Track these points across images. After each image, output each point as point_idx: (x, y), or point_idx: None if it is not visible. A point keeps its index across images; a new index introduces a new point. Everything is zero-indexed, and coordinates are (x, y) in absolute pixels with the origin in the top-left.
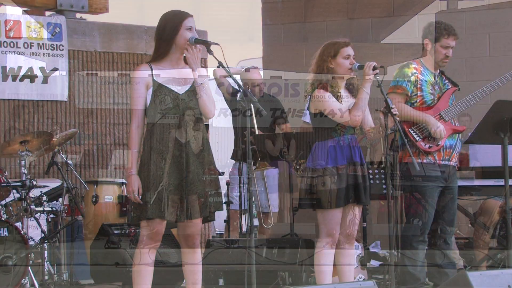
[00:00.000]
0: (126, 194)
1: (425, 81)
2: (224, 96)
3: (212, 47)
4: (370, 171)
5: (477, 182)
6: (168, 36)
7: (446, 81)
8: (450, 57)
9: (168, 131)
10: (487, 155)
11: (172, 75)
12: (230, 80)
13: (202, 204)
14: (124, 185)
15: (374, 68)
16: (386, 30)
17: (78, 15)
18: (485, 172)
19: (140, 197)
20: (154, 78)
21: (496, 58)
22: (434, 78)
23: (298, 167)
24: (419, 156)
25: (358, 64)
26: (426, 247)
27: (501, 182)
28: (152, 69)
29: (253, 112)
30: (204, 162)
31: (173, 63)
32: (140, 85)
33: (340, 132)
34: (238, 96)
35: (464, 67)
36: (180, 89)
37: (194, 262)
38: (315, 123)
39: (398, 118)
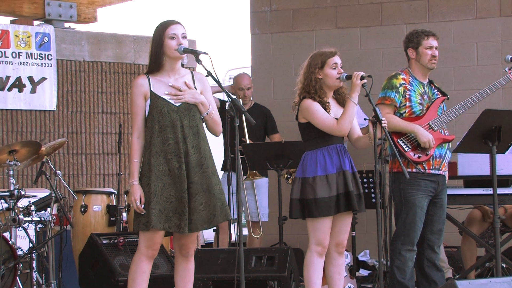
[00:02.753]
0: (114, 204)
1: (414, 91)
2: None
3: (201, 57)
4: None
5: (466, 191)
6: (156, 48)
7: (435, 90)
8: (437, 57)
9: (167, 142)
10: (475, 164)
11: (168, 87)
12: (217, 92)
13: (210, 214)
14: (113, 195)
15: (362, 78)
16: (374, 40)
17: (66, 25)
18: (474, 181)
19: (143, 206)
20: (152, 89)
21: (484, 67)
22: (423, 88)
23: (289, 176)
24: (408, 166)
25: (346, 74)
26: (415, 256)
27: (489, 191)
28: (149, 80)
29: (244, 122)
30: (208, 171)
31: (169, 72)
32: (139, 97)
33: (328, 141)
34: (227, 105)
35: (452, 76)
36: (177, 101)
37: (187, 271)
38: (303, 133)
39: (386, 127)
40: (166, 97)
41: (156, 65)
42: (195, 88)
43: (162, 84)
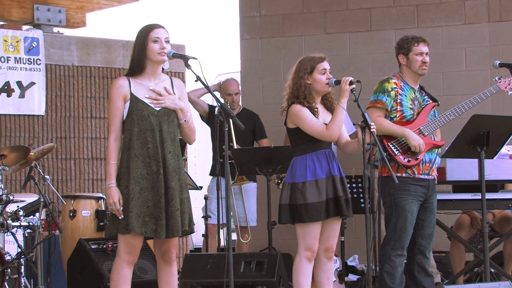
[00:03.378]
0: (103, 209)
1: (405, 96)
2: (200, 114)
3: (190, 61)
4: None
5: (454, 196)
6: (139, 50)
7: (426, 96)
8: (427, 63)
9: (146, 146)
10: (464, 169)
11: (149, 91)
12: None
13: (183, 222)
14: (102, 200)
15: (351, 83)
16: (363, 45)
17: (55, 29)
18: (462, 186)
19: (122, 208)
20: (132, 91)
21: (472, 73)
22: (414, 93)
23: (279, 181)
24: (398, 170)
25: (334, 80)
26: (405, 261)
27: (478, 196)
28: (130, 82)
29: (232, 127)
30: (181, 178)
31: (150, 76)
32: (118, 98)
33: (317, 146)
34: (216, 110)
35: (441, 82)
36: (156, 106)
37: (170, 276)
38: (292, 138)
39: (375, 132)
40: (147, 101)
41: (137, 68)
42: (174, 94)
43: (143, 87)
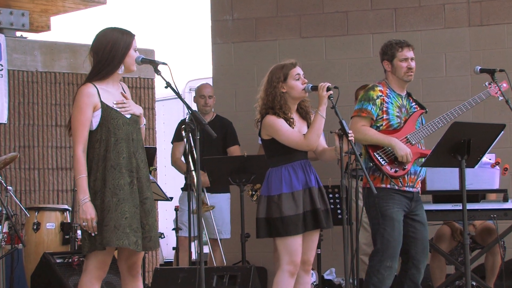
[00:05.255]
0: (69, 221)
1: (391, 103)
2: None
3: (160, 67)
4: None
5: (434, 207)
6: (119, 55)
7: (413, 103)
8: (413, 68)
9: (122, 156)
10: (444, 178)
11: (115, 98)
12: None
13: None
14: (67, 212)
15: (328, 89)
16: (340, 50)
17: (18, 34)
18: (442, 196)
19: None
20: (102, 99)
21: (452, 79)
22: (401, 100)
23: (253, 193)
24: (382, 181)
25: (311, 85)
26: (396, 274)
27: (459, 206)
28: (98, 90)
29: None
30: (151, 189)
31: (114, 83)
32: (88, 107)
33: (293, 157)
34: (187, 118)
35: (420, 88)
36: (125, 113)
37: None
38: (267, 150)
39: (353, 140)
40: (117, 109)
41: (108, 73)
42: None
43: (110, 95)
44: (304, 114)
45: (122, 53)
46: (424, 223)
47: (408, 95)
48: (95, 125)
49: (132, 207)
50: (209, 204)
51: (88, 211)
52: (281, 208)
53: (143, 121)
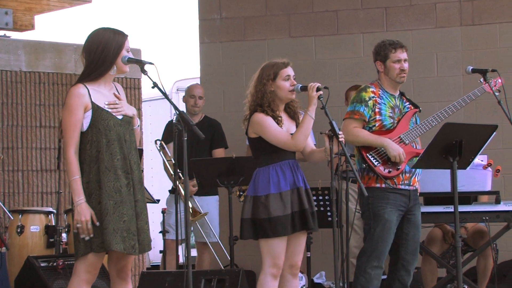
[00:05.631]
0: (53, 224)
1: (384, 104)
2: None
3: (146, 67)
4: (314, 198)
5: (426, 209)
6: (112, 55)
7: (407, 103)
8: (406, 70)
9: (116, 157)
10: (436, 180)
11: (106, 99)
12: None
13: (150, 236)
14: (52, 215)
15: (318, 89)
16: (330, 49)
17: (1, 33)
18: (434, 198)
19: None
20: (93, 100)
21: (444, 79)
22: (394, 101)
23: (241, 193)
24: (377, 181)
25: (300, 85)
26: (384, 276)
27: (450, 208)
28: (89, 90)
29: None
30: (143, 191)
31: (106, 84)
32: (79, 108)
33: (281, 157)
34: (174, 119)
35: (411, 88)
36: (117, 114)
37: None
38: (254, 148)
39: (343, 142)
40: (109, 110)
41: (97, 73)
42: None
43: (101, 95)
44: (292, 114)
45: (114, 53)
46: (418, 224)
47: (402, 94)
48: (86, 126)
49: (130, 210)
50: (199, 210)
51: (82, 213)
52: (268, 208)
53: (137, 122)
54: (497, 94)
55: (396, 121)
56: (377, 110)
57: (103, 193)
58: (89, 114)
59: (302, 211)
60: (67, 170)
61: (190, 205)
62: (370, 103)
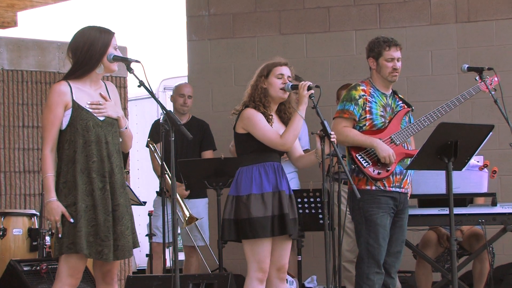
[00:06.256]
0: (37, 227)
1: (375, 102)
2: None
3: (133, 65)
4: (306, 200)
5: (420, 211)
6: (98, 54)
7: (399, 102)
8: (398, 69)
9: (92, 159)
10: (430, 182)
11: (89, 98)
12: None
13: (134, 240)
14: (35, 217)
15: (309, 88)
16: (321, 47)
17: None
18: (428, 201)
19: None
20: (74, 98)
21: (439, 77)
22: (386, 99)
23: None
24: (367, 183)
25: (291, 84)
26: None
27: (445, 211)
28: (71, 88)
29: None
30: (127, 193)
31: (93, 83)
32: (59, 106)
33: (266, 157)
34: (161, 119)
35: (405, 87)
36: (99, 115)
37: None
38: (239, 145)
39: (335, 142)
40: (89, 109)
41: (83, 72)
42: (110, 100)
43: (84, 94)
44: (286, 119)
45: (101, 52)
46: (404, 228)
47: (394, 93)
48: (65, 124)
49: (102, 214)
50: (191, 214)
51: (52, 212)
52: (249, 209)
53: (124, 123)
54: (493, 93)
55: (387, 121)
56: (367, 109)
57: (78, 194)
58: (69, 112)
59: (282, 216)
60: (41, 167)
61: (187, 213)
62: (360, 101)
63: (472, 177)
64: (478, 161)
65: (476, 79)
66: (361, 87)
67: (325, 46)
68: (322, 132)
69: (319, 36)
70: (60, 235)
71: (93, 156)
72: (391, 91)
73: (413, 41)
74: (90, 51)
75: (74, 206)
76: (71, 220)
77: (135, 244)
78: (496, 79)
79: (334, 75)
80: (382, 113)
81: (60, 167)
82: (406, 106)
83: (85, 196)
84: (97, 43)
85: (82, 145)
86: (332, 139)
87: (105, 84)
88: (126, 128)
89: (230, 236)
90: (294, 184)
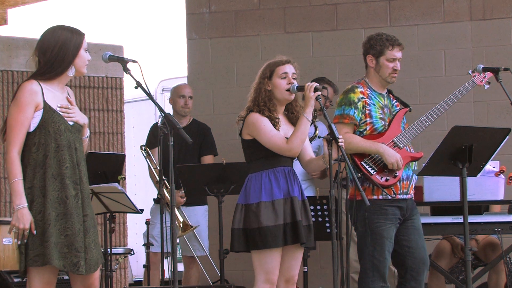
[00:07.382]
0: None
1: (374, 104)
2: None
3: (129, 65)
4: (312, 207)
5: (433, 220)
6: (70, 56)
7: (394, 101)
8: (398, 70)
9: (65, 165)
10: (444, 188)
11: (59, 101)
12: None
13: (98, 255)
14: None
15: (316, 90)
16: (328, 46)
17: None
18: (442, 208)
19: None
20: (45, 99)
21: (452, 78)
22: (384, 100)
23: None
24: (373, 192)
25: (297, 85)
26: None
27: (459, 219)
28: (42, 89)
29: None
30: (91, 205)
31: (60, 85)
32: (30, 106)
33: (276, 163)
34: (159, 122)
35: (417, 88)
36: (68, 119)
37: None
38: (247, 152)
39: (343, 146)
40: (60, 113)
41: (53, 73)
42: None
43: (54, 96)
44: (294, 120)
45: (73, 54)
46: (419, 229)
47: (389, 92)
48: (33, 126)
49: (76, 224)
50: (189, 223)
51: (22, 219)
52: (259, 217)
53: (87, 132)
54: (487, 86)
55: (387, 123)
56: (367, 112)
57: (47, 202)
58: (39, 114)
59: (294, 223)
60: (8, 171)
61: (181, 219)
62: (360, 104)
63: (487, 184)
64: (494, 167)
65: (469, 73)
66: (359, 89)
67: (333, 45)
68: (330, 136)
69: (326, 35)
70: (23, 246)
71: (66, 161)
72: (386, 90)
73: (426, 40)
74: (61, 52)
75: (41, 214)
76: (34, 232)
77: (99, 260)
78: (488, 73)
79: (342, 75)
80: (382, 116)
81: (25, 172)
82: (401, 106)
83: (56, 203)
84: (69, 44)
85: (55, 149)
86: (340, 143)
87: (66, 89)
88: (87, 137)
89: (240, 247)
90: (309, 193)
